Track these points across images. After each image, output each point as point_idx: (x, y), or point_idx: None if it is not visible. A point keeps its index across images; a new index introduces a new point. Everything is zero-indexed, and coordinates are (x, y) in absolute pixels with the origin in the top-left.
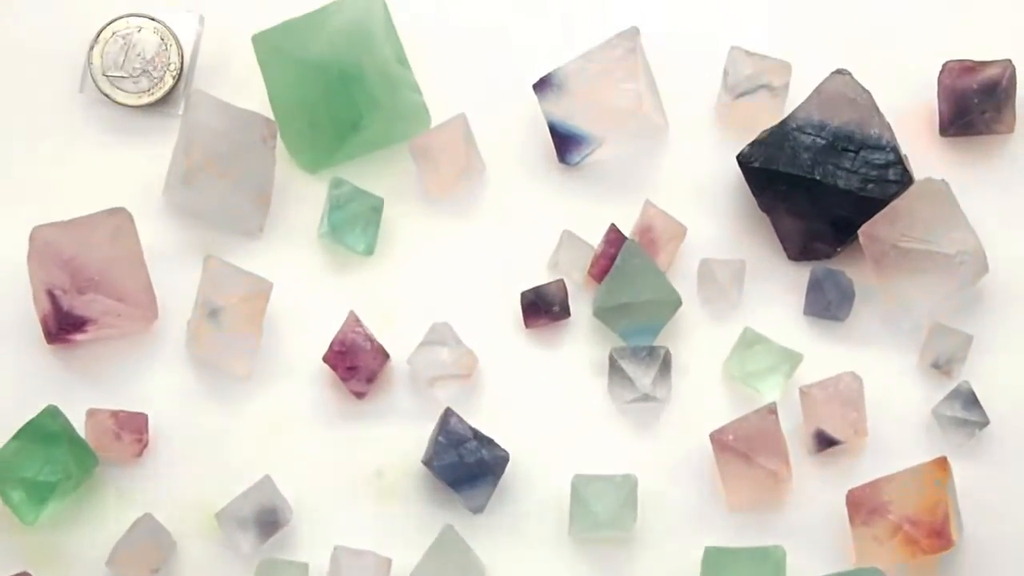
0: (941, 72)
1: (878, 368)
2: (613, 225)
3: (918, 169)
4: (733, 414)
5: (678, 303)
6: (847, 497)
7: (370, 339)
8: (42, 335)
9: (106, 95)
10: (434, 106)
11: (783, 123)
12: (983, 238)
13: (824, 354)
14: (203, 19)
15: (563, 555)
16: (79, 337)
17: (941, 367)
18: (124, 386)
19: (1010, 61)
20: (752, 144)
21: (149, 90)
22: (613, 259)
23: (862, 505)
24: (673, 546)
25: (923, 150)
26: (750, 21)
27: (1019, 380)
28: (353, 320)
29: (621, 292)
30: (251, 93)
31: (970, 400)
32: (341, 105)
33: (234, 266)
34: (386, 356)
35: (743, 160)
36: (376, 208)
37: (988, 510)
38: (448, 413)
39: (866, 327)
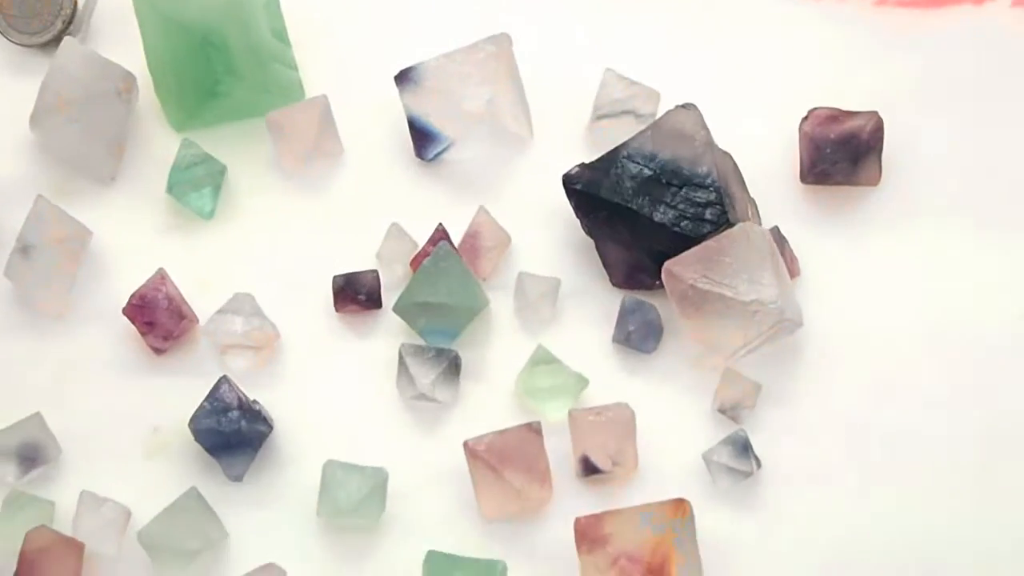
0: (805, 118)
1: (670, 404)
2: (440, 225)
3: (772, 213)
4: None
5: (476, 310)
6: (574, 524)
7: (170, 299)
8: None
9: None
10: (315, 84)
11: (615, 149)
12: (816, 292)
13: (621, 383)
14: None
15: (308, 533)
16: None
17: (727, 412)
18: None
19: (876, 113)
20: (581, 166)
21: (38, 32)
22: None
23: (586, 534)
24: (417, 543)
25: (781, 195)
26: (632, 48)
27: (801, 436)
28: (158, 278)
29: (423, 291)
30: (139, 49)
31: (742, 449)
32: (201, 70)
33: (60, 209)
34: (182, 317)
35: (567, 181)
36: (219, 173)
37: (737, 561)
38: (221, 381)
39: (671, 361)
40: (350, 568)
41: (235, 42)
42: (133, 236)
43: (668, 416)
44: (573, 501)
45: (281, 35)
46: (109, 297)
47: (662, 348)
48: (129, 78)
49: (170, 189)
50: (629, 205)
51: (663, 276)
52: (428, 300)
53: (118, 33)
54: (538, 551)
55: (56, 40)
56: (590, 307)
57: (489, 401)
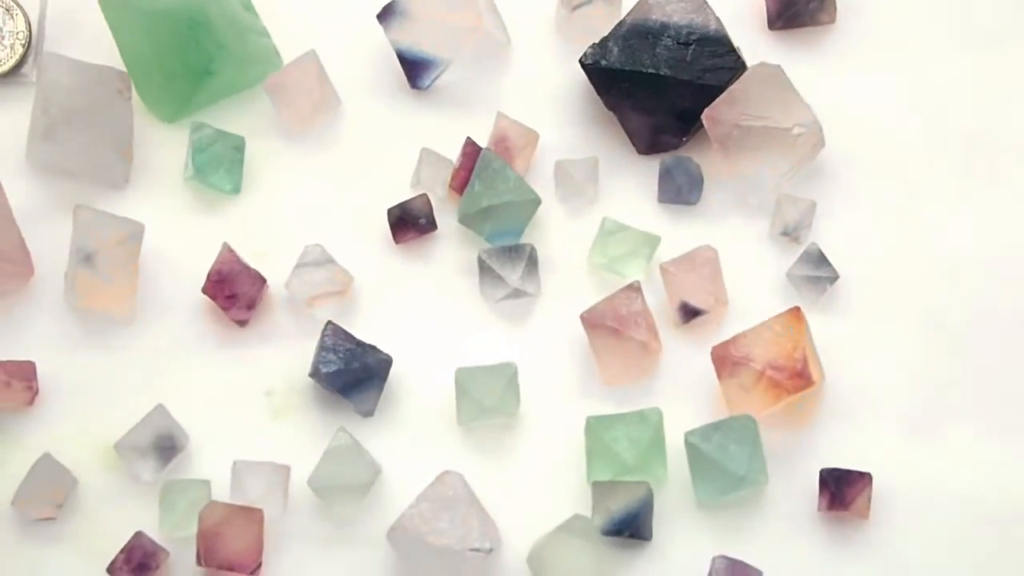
0: None
1: (733, 242)
2: (469, 138)
3: (750, 61)
4: (601, 299)
5: (537, 202)
6: (712, 354)
7: (246, 266)
8: None
9: None
10: (286, 48)
11: (620, 24)
12: (822, 118)
13: (681, 236)
14: None
15: (454, 445)
16: None
17: (790, 234)
18: (4, 343)
19: None
20: (593, 46)
21: (0, 61)
22: (471, 170)
23: (726, 359)
24: (557, 423)
25: (753, 44)
26: None
27: (859, 237)
28: (227, 251)
29: (482, 197)
30: (102, 53)
31: (819, 259)
32: (192, 52)
33: (105, 212)
34: (263, 281)
35: (586, 62)
36: (238, 147)
37: (845, 356)
38: (329, 325)
39: (718, 207)
40: (508, 462)
41: (216, 18)
42: (166, 229)
43: (735, 252)
44: (678, 350)
45: (248, 5)
46: (171, 288)
47: (704, 196)
48: (124, 77)
49: (197, 172)
50: (651, 71)
51: (705, 123)
52: (491, 203)
53: (73, 45)
54: (672, 398)
55: (19, 67)
56: (626, 177)
57: (568, 283)
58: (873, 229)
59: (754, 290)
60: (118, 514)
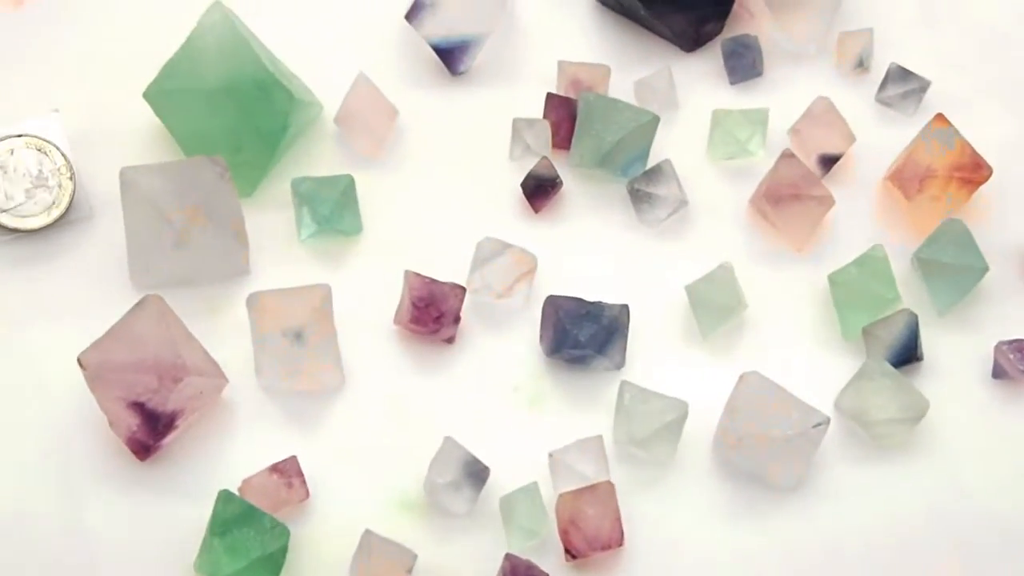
0: None
1: (814, 91)
2: (550, 93)
3: None
4: (739, 187)
5: (657, 119)
6: (892, 180)
7: (439, 283)
8: (130, 457)
9: (15, 229)
10: (314, 79)
11: None
12: None
13: (771, 103)
14: (60, 117)
15: (709, 359)
16: (170, 438)
17: (863, 64)
18: (226, 464)
19: None
20: None
21: (55, 203)
22: (571, 121)
23: (909, 179)
24: (779, 302)
25: None
26: None
27: (923, 45)
28: (413, 276)
29: (607, 134)
30: (144, 153)
31: (903, 74)
32: (265, 113)
33: (281, 289)
34: (462, 289)
35: None
36: (348, 187)
37: (977, 147)
38: (550, 299)
39: (782, 68)
40: (763, 352)
41: (275, 71)
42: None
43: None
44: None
45: (272, 55)
46: (355, 342)
47: (766, 65)
48: (219, 160)
49: (323, 224)
50: None
51: None
52: (618, 136)
53: (106, 162)
54: (857, 243)
55: (71, 204)
56: (690, 77)
57: (702, 183)
58: (934, 32)
59: (862, 124)
60: (458, 553)
